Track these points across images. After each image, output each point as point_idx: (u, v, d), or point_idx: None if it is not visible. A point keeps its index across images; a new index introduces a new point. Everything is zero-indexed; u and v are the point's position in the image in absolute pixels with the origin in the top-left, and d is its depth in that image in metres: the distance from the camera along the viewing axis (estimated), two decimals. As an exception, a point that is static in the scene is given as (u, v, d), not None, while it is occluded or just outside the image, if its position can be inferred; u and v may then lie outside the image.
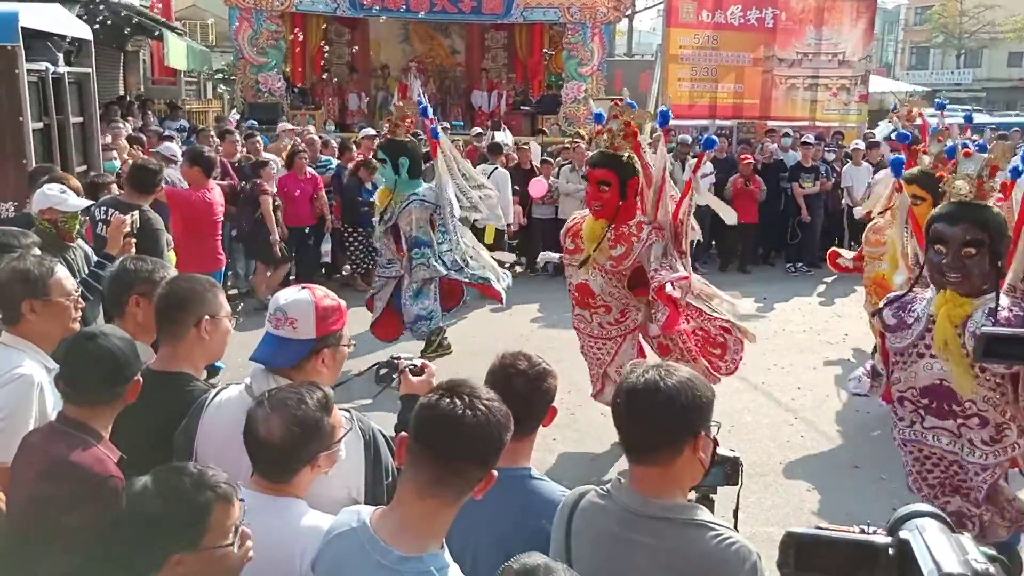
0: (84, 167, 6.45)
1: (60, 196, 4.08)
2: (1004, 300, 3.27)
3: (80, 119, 6.02)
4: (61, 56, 5.70)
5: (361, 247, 9.26)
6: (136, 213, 4.44)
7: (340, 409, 2.11)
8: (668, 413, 1.80)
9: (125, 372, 2.25)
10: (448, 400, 1.70)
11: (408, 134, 6.69)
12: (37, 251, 3.41)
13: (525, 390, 2.16)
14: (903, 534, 1.11)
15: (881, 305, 3.67)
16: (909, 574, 1.06)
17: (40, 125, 5.43)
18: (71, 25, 6.30)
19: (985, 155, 3.42)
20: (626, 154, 4.88)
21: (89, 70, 6.19)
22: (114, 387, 2.25)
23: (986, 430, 3.32)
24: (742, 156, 10.98)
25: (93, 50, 6.48)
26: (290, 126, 11.65)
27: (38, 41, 5.57)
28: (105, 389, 2.24)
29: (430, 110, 6.30)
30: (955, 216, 3.22)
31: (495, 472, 1.73)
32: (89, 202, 4.58)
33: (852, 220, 9.70)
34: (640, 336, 5.22)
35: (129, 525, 1.75)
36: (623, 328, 5.12)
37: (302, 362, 2.21)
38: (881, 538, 1.14)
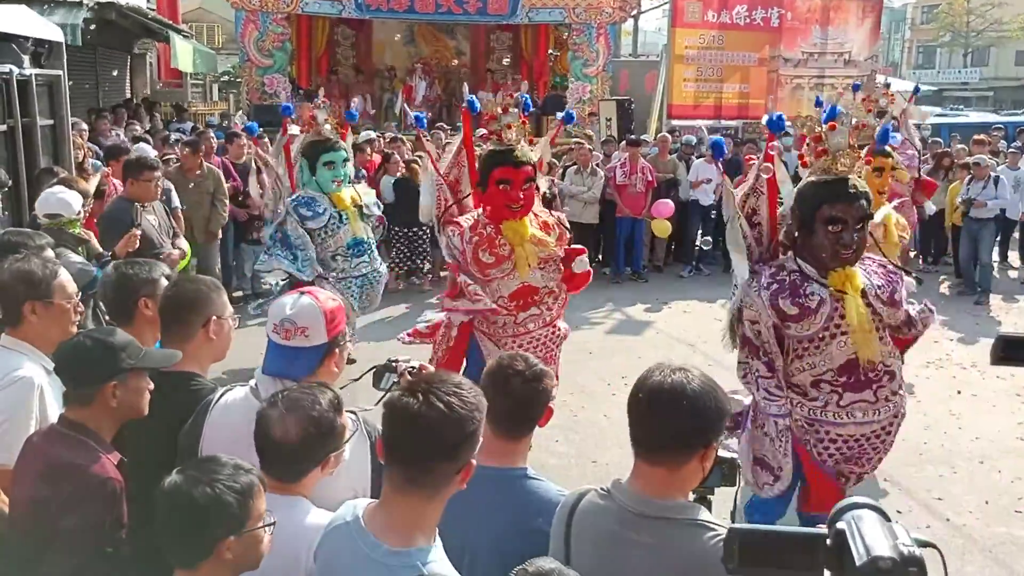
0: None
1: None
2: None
3: (51, 122, 5.92)
4: (27, 58, 5.58)
5: (407, 247, 9.57)
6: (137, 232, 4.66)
7: (345, 411, 2.14)
8: (689, 418, 1.79)
9: (89, 373, 2.21)
10: (406, 398, 1.68)
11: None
12: (50, 252, 3.43)
13: (522, 391, 2.17)
14: (840, 525, 1.14)
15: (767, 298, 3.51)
16: (845, 562, 1.09)
17: (3, 128, 5.34)
18: (38, 27, 6.08)
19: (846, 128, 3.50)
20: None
21: (60, 72, 5.98)
22: (79, 386, 2.23)
23: (895, 380, 3.57)
24: (747, 157, 10.95)
25: (65, 52, 6.29)
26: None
27: (2, 43, 5.41)
28: (72, 386, 2.24)
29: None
30: (852, 196, 3.37)
31: (474, 461, 1.71)
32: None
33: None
34: None
35: (172, 519, 1.77)
36: (560, 305, 4.66)
37: (315, 368, 2.23)
38: (820, 530, 1.17)
